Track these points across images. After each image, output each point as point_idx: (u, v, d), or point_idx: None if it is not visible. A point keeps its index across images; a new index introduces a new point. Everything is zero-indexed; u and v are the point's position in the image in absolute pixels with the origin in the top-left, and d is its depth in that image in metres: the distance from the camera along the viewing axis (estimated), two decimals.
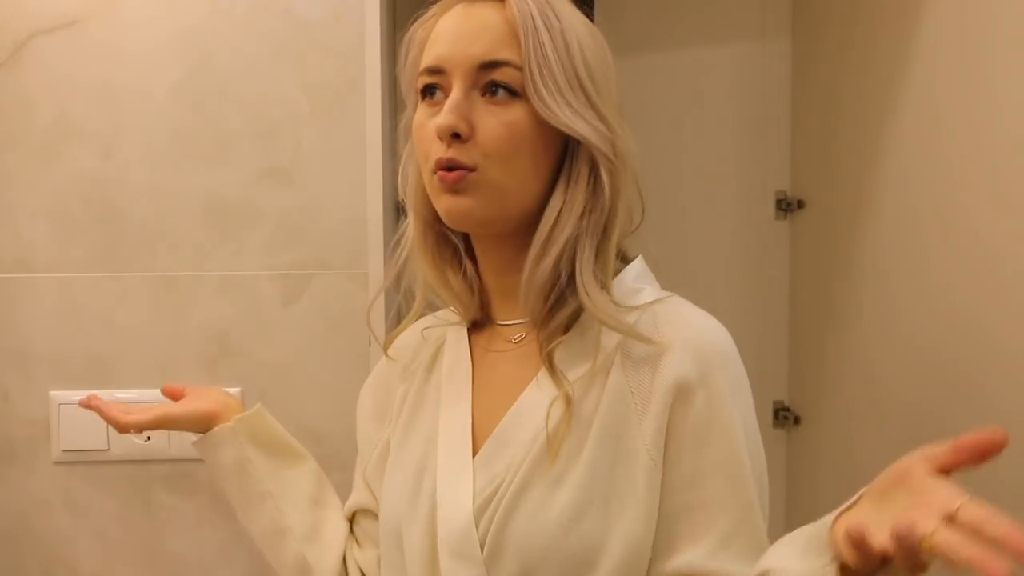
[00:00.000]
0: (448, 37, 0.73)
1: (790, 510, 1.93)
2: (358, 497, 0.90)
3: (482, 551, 0.70)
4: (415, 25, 0.78)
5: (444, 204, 0.72)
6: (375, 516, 0.86)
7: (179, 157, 1.26)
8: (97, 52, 1.25)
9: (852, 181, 1.58)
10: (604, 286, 0.73)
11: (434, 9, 0.77)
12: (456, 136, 0.70)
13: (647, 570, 0.71)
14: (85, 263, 1.27)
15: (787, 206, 1.93)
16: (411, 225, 0.81)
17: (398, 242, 0.82)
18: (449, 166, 0.70)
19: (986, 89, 1.14)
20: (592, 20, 0.77)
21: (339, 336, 1.27)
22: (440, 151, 0.71)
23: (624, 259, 0.79)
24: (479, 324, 0.83)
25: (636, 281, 0.77)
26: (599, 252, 0.73)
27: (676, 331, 0.72)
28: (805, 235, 1.88)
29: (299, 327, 1.27)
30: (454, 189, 0.71)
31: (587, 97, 0.72)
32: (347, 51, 1.26)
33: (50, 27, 1.24)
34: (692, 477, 0.70)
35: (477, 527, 0.71)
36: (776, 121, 1.94)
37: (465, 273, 0.81)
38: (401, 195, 0.83)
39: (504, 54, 0.70)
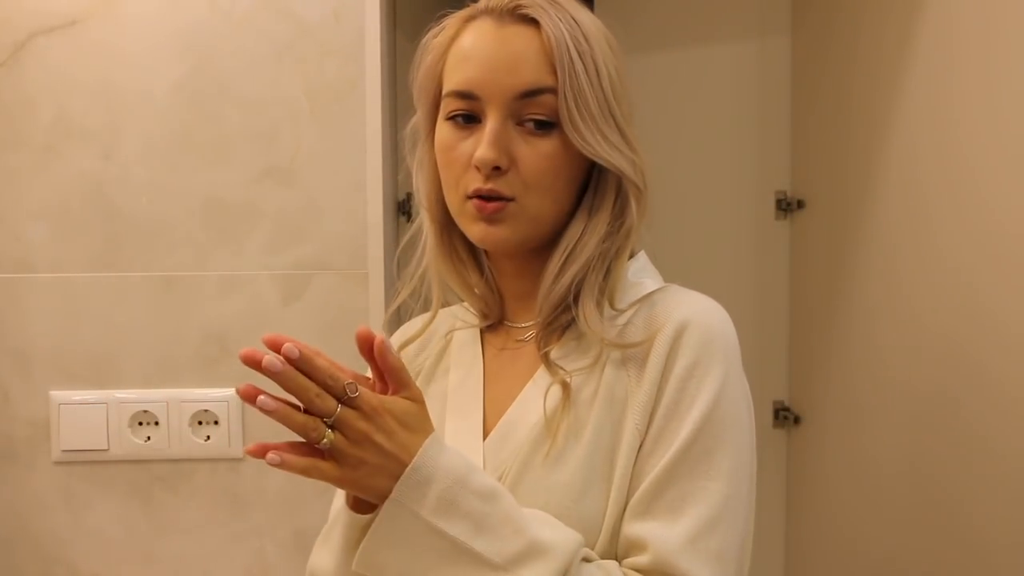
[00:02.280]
0: (481, 62, 0.72)
1: (790, 510, 1.94)
2: None
3: None
4: (432, 32, 0.77)
5: (478, 232, 0.73)
6: None
7: (179, 157, 1.26)
8: (97, 52, 1.25)
9: (852, 181, 1.58)
10: (609, 293, 0.75)
11: (451, 20, 0.76)
12: (495, 168, 0.71)
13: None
14: (85, 263, 1.27)
15: (787, 206, 1.93)
16: (428, 230, 0.81)
17: (408, 246, 0.82)
18: (489, 196, 0.71)
19: (985, 87, 1.14)
20: None
21: (339, 336, 1.27)
22: (478, 182, 0.72)
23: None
24: (490, 324, 0.84)
25: (636, 276, 0.78)
26: (608, 272, 0.75)
27: (670, 313, 0.73)
28: (805, 235, 1.88)
29: (299, 327, 1.27)
30: (490, 219, 0.72)
31: (616, 124, 0.73)
32: (347, 51, 1.26)
33: (50, 27, 1.24)
34: (662, 435, 0.70)
35: None
36: (776, 121, 1.94)
37: (484, 275, 0.82)
38: (417, 201, 0.83)
39: (543, 81, 0.71)
